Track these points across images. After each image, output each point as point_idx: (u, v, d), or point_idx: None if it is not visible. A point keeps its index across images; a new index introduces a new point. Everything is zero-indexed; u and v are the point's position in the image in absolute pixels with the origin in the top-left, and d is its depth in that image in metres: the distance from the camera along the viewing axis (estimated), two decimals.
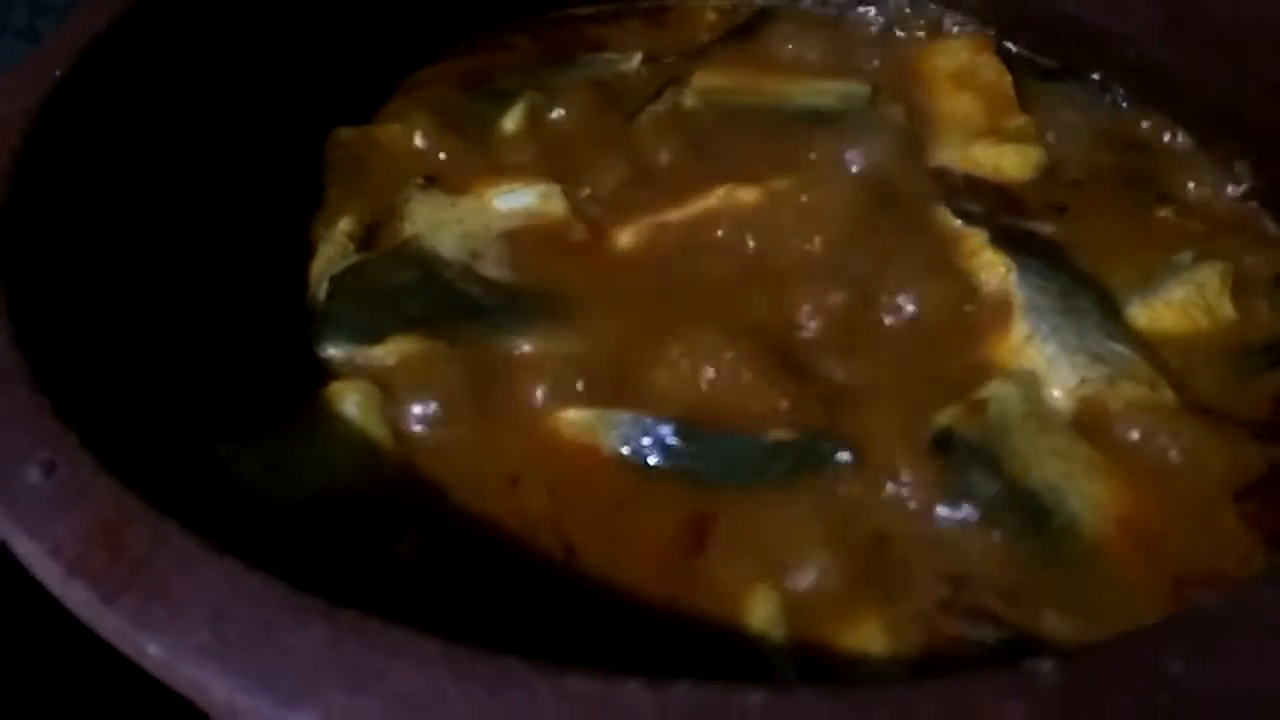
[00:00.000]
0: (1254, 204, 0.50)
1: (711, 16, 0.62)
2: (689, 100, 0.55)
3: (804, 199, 0.48)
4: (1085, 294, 0.44)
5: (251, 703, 0.25)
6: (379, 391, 0.41)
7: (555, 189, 0.49)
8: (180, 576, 0.27)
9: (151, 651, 0.26)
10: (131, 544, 0.28)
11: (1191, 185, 0.51)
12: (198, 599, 0.26)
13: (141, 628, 0.26)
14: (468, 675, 0.25)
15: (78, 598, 0.27)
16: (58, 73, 0.42)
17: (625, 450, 0.40)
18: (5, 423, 0.31)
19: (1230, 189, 0.51)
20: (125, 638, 0.26)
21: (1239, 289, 0.45)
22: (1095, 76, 0.56)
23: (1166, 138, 0.54)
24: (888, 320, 0.44)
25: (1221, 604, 0.27)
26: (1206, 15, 0.51)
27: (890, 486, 0.38)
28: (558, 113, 0.54)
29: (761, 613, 0.35)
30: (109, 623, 0.27)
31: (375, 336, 0.43)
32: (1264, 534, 0.38)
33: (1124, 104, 0.56)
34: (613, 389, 0.42)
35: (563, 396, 0.41)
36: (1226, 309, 0.44)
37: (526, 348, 0.43)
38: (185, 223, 0.47)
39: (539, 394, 0.42)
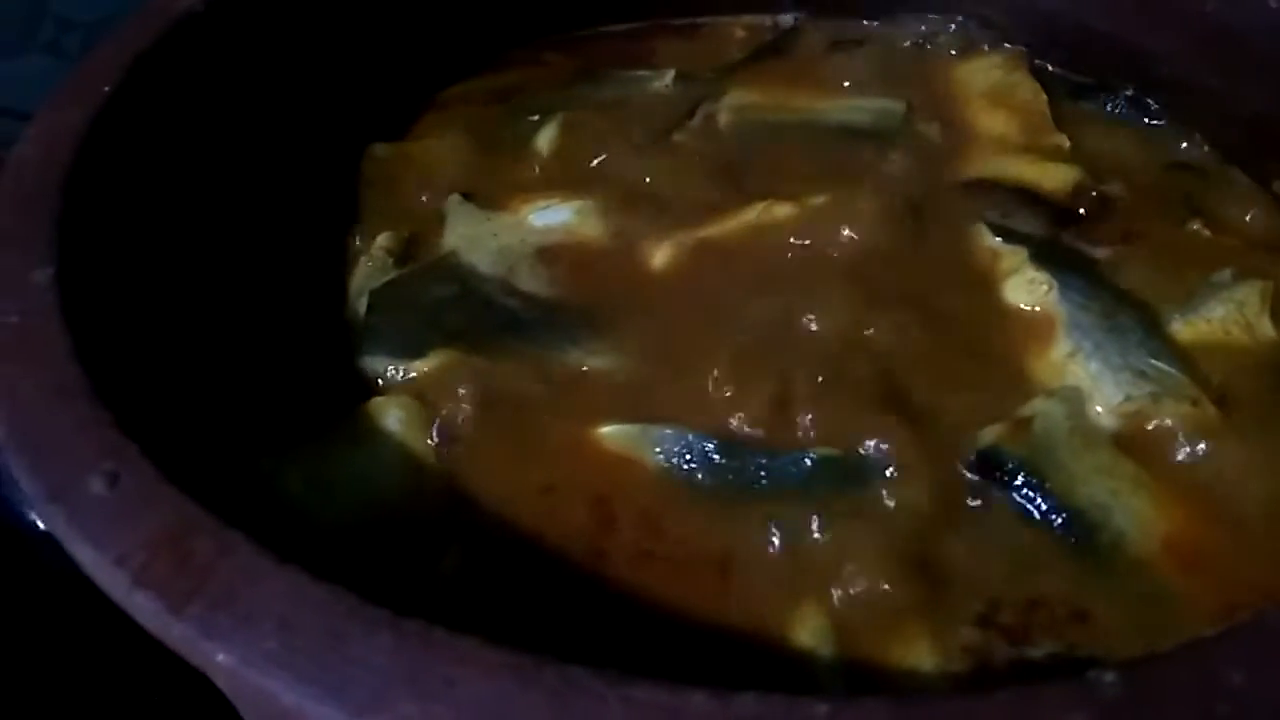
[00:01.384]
0: None
1: (741, 34, 0.63)
2: (723, 117, 0.55)
3: (841, 216, 0.48)
4: (1127, 311, 0.45)
5: (321, 711, 0.25)
6: (420, 406, 0.41)
7: (591, 205, 0.50)
8: (246, 586, 0.27)
9: (220, 660, 0.26)
10: (197, 553, 0.28)
11: (1229, 202, 0.51)
12: (265, 608, 0.27)
13: (210, 636, 0.26)
14: (535, 684, 0.25)
15: (145, 607, 0.27)
16: (106, 88, 0.42)
17: (668, 466, 0.40)
18: (68, 434, 0.31)
19: (1267, 207, 0.51)
20: (193, 646, 0.27)
21: (1277, 307, 0.45)
22: (1129, 93, 0.57)
23: (1203, 155, 0.54)
24: (929, 338, 0.44)
25: None
26: (1240, 32, 0.51)
27: (935, 504, 0.38)
28: (591, 129, 0.54)
29: (809, 629, 0.35)
30: (176, 631, 0.27)
31: (415, 350, 0.43)
32: None
33: (1160, 121, 0.56)
34: (651, 404, 0.42)
35: (602, 411, 0.42)
36: (1266, 327, 0.44)
37: (566, 362, 0.43)
38: (229, 237, 0.47)
39: (578, 408, 0.42)
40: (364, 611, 0.26)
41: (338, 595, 0.27)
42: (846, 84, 0.57)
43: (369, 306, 0.45)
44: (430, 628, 0.26)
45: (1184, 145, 0.55)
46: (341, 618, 0.26)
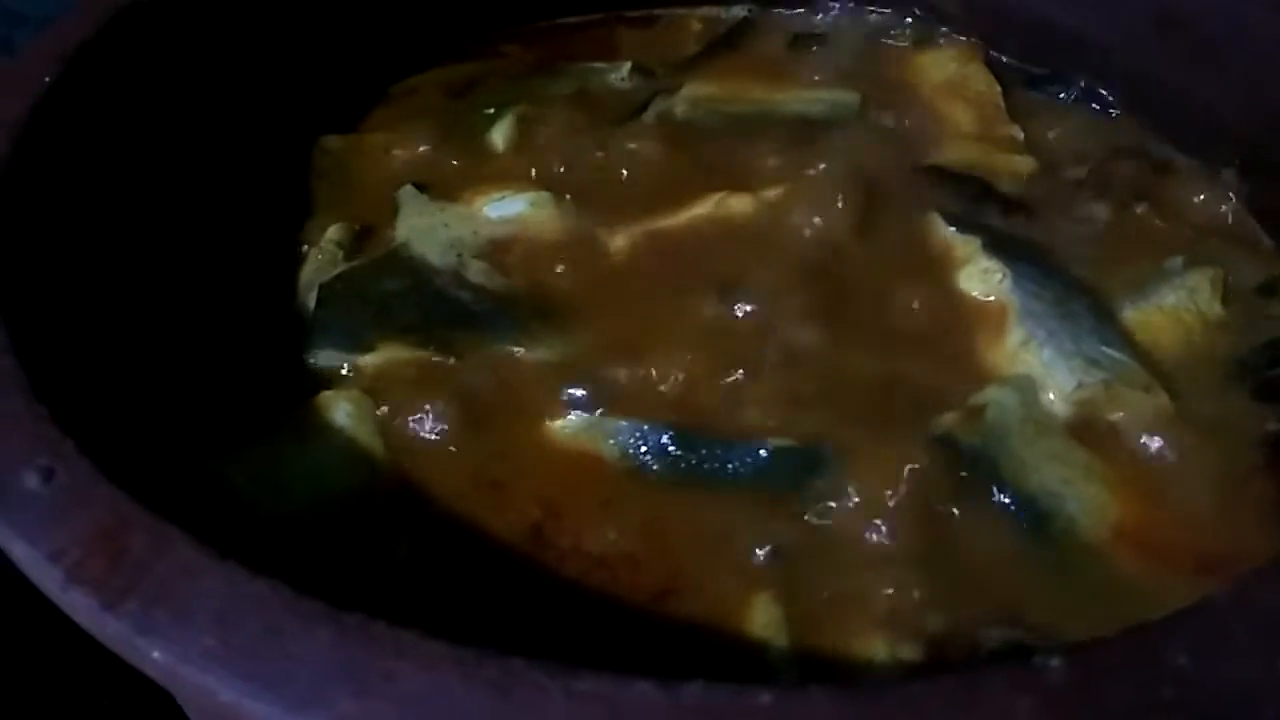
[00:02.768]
0: (1241, 210, 0.51)
1: (697, 25, 0.63)
2: (679, 109, 0.55)
3: (796, 207, 0.48)
4: (1079, 299, 0.45)
5: (259, 707, 0.24)
6: (369, 400, 0.41)
7: (546, 196, 0.49)
8: (183, 582, 0.27)
9: (155, 657, 0.26)
10: (132, 550, 0.27)
11: (1180, 191, 0.51)
12: (202, 604, 0.26)
13: (144, 633, 0.26)
14: (476, 677, 0.25)
15: (78, 604, 0.27)
16: (47, 79, 0.42)
17: (623, 457, 0.40)
18: (2, 429, 0.30)
19: (1217, 195, 0.51)
20: (128, 643, 0.26)
21: (1227, 294, 0.45)
22: (1083, 83, 0.57)
23: (1154, 145, 0.54)
24: (882, 327, 0.44)
25: (1225, 598, 0.27)
26: (1191, 25, 0.52)
27: (890, 492, 0.38)
28: (548, 122, 0.54)
29: (763, 619, 0.35)
30: (110, 629, 0.26)
31: (365, 344, 0.43)
32: (1260, 535, 0.38)
33: (1112, 112, 0.56)
34: (605, 395, 0.42)
35: (555, 403, 0.41)
36: (1217, 314, 0.45)
37: (518, 354, 0.43)
38: (175, 230, 0.46)
39: (531, 400, 0.41)
40: (302, 606, 0.26)
41: (276, 590, 0.26)
42: (802, 76, 0.57)
43: (318, 300, 0.45)
44: (370, 621, 0.26)
45: (1136, 134, 0.55)
46: (280, 613, 0.26)
